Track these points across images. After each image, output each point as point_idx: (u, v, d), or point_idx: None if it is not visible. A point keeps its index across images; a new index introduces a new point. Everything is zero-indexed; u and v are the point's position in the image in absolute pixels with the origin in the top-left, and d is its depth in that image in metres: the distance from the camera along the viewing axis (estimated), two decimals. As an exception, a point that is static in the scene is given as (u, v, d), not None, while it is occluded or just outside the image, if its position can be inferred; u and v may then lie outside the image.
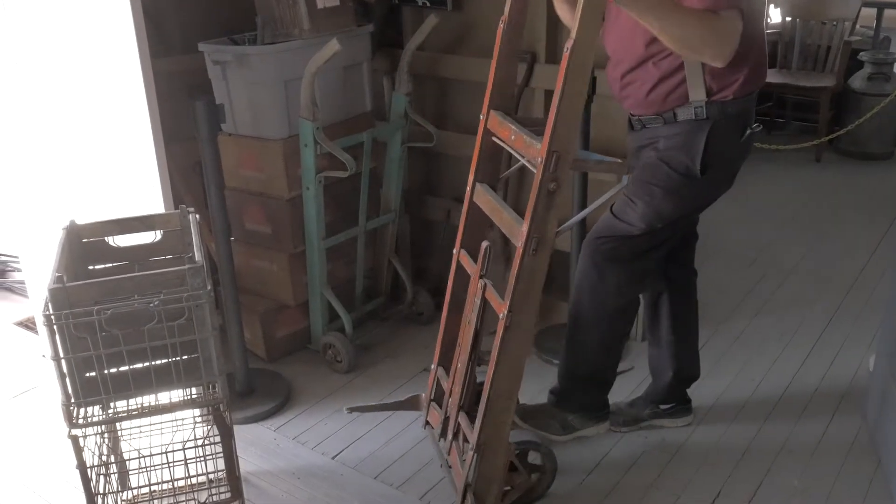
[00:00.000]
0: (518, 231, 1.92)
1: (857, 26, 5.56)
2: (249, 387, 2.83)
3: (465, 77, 3.20)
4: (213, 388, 1.89)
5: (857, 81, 5.30)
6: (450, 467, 2.25)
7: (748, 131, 2.19)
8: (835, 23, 5.34)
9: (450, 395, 2.28)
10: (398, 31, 3.43)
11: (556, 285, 3.33)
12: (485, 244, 2.09)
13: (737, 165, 2.26)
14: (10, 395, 2.95)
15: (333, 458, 2.55)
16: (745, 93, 2.13)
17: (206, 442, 2.02)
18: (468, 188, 2.26)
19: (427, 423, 2.45)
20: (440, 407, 2.36)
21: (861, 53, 5.31)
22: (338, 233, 3.02)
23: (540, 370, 2.99)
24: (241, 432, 2.59)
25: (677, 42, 1.96)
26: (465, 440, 2.12)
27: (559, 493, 2.37)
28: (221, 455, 2.00)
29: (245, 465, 2.46)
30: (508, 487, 2.21)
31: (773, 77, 5.42)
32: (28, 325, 3.46)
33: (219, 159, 2.60)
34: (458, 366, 2.21)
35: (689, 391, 2.64)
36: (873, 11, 5.72)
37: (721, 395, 2.82)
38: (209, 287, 1.80)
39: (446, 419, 2.28)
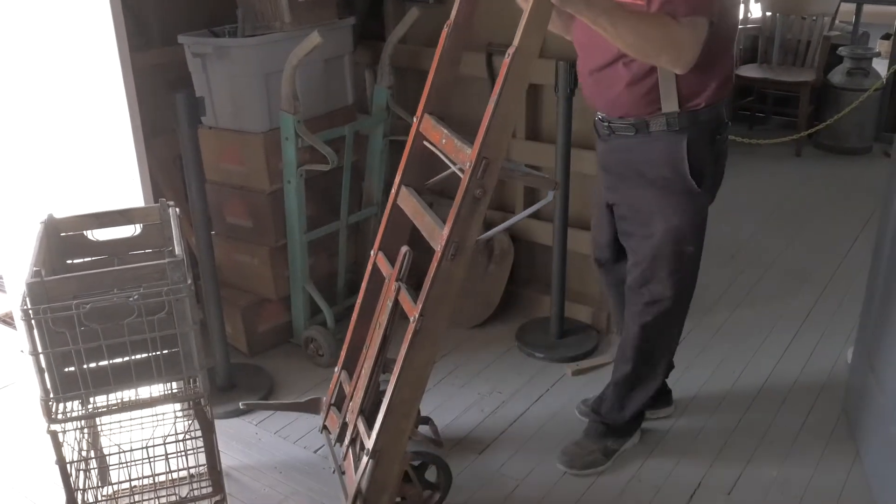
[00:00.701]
0: (438, 235, 1.89)
1: (837, 21, 5.61)
2: (231, 381, 2.82)
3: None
4: (194, 382, 1.88)
5: (837, 76, 5.34)
6: (343, 473, 2.21)
7: (717, 136, 2.15)
8: (814, 18, 5.38)
9: (350, 400, 2.24)
10: (380, 23, 3.42)
11: (538, 279, 3.35)
12: (404, 249, 2.05)
13: (721, 167, 2.23)
14: (-12, 391, 2.92)
15: (315, 451, 2.55)
16: (716, 100, 2.09)
17: (187, 437, 2.01)
18: (393, 190, 2.22)
19: (325, 427, 2.41)
20: (340, 411, 2.33)
21: (840, 49, 5.35)
22: (320, 226, 3.01)
23: (521, 363, 3.01)
24: (223, 427, 2.58)
25: (631, 48, 1.90)
26: (362, 446, 2.07)
27: (541, 483, 2.38)
28: (202, 450, 1.99)
29: (226, 460, 2.45)
30: (400, 498, 2.16)
31: (753, 72, 5.46)
32: (6, 320, 3.43)
33: (199, 153, 2.59)
34: (363, 370, 2.17)
35: (668, 382, 2.64)
36: (852, 7, 5.77)
37: (702, 387, 2.84)
38: (190, 281, 1.79)
39: (345, 424, 2.25)
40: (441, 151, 2.04)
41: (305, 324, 3.07)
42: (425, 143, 2.14)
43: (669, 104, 2.06)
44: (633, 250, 2.27)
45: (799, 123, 5.26)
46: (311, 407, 2.49)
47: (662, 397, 2.64)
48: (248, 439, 2.62)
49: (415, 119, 2.16)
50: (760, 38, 5.59)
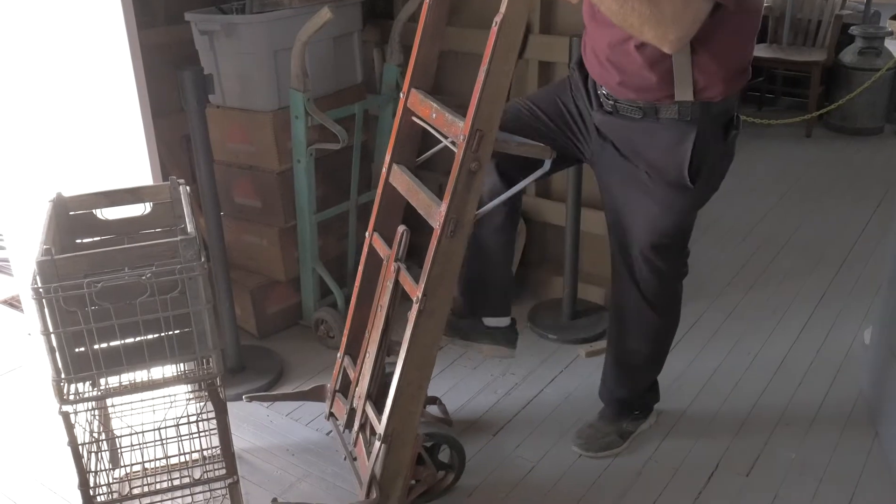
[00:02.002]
0: (436, 212, 1.85)
1: (848, 0, 5.53)
2: (241, 364, 2.78)
3: (458, 48, 3.14)
4: (207, 362, 1.85)
5: (848, 56, 5.28)
6: (354, 459, 2.18)
7: (733, 132, 2.03)
8: (826, -3, 5.32)
9: (356, 385, 2.21)
10: (388, 1, 3.37)
11: (550, 260, 3.31)
12: (401, 228, 2.01)
13: (724, 169, 2.11)
14: (-4, 374, 2.90)
15: (328, 434, 2.52)
16: (731, 92, 1.98)
17: (200, 418, 1.98)
18: (384, 169, 2.17)
19: (331, 414, 2.37)
20: (345, 398, 2.29)
21: (852, 28, 5.29)
22: (329, 207, 2.97)
23: (533, 345, 2.97)
24: (234, 409, 2.53)
25: (615, 17, 1.78)
26: (372, 431, 2.04)
27: (557, 466, 2.35)
28: (215, 431, 1.96)
29: (238, 442, 2.42)
30: (415, 481, 2.14)
31: (763, 52, 5.40)
32: (13, 303, 3.40)
33: (207, 131, 2.54)
34: (367, 354, 2.14)
35: (680, 369, 2.60)
36: (864, -15, 5.70)
37: (717, 368, 2.81)
38: (203, 259, 1.75)
39: (352, 410, 2.21)
40: (431, 126, 1.99)
41: (315, 305, 3.03)
42: (414, 118, 2.10)
43: (683, 92, 1.94)
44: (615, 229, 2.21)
45: (809, 104, 5.21)
46: (316, 395, 2.47)
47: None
48: (260, 421, 2.59)
49: (401, 95, 2.12)
50: (771, 17, 5.52)
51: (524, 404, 2.64)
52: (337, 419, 2.33)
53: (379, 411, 2.02)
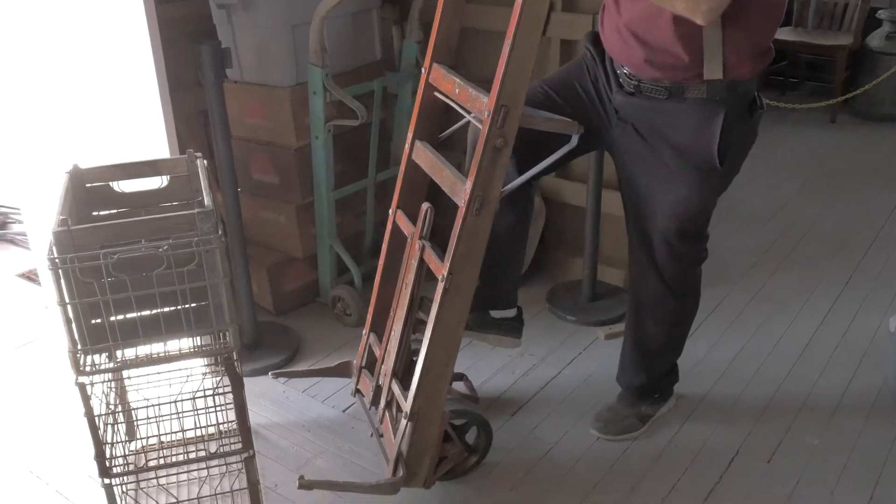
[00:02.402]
0: (461, 189, 1.82)
1: (876, -17, 5.44)
2: (257, 340, 2.77)
3: (480, 25, 3.09)
4: (224, 336, 1.83)
5: (875, 40, 5.18)
6: (381, 436, 2.16)
7: (758, 111, 1.99)
8: (853, -21, 5.22)
9: (382, 363, 2.19)
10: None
11: (569, 241, 3.27)
12: (425, 205, 1.98)
13: (747, 150, 2.06)
14: (13, 346, 2.90)
15: (344, 411, 2.50)
16: (759, 69, 1.92)
17: (217, 392, 1.96)
18: (407, 145, 2.14)
19: (357, 390, 2.35)
20: (371, 374, 2.27)
21: (880, 11, 5.18)
22: (347, 184, 2.95)
23: (552, 326, 2.95)
24: (250, 385, 2.50)
25: None
26: (399, 409, 2.02)
27: (575, 447, 2.33)
28: (231, 406, 1.94)
29: (254, 418, 2.40)
30: (442, 458, 2.12)
31: (788, 35, 5.31)
32: (30, 276, 3.40)
33: (224, 106, 2.52)
34: (393, 332, 2.12)
35: (701, 353, 2.55)
36: (893, -32, 5.59)
37: (739, 353, 2.76)
38: (221, 232, 1.73)
39: (378, 387, 2.19)
40: (454, 101, 1.95)
41: (332, 283, 3.01)
42: (437, 94, 2.06)
43: (713, 70, 1.88)
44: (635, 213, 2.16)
45: (834, 89, 5.12)
46: (342, 371, 2.44)
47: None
48: (276, 397, 2.58)
49: (423, 70, 2.08)
50: (796, 0, 5.43)
51: (542, 385, 2.62)
52: (363, 395, 2.31)
53: (405, 389, 2.00)
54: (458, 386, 2.43)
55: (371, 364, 2.29)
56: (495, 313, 2.32)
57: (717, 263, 2.50)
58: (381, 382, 2.17)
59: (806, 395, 2.54)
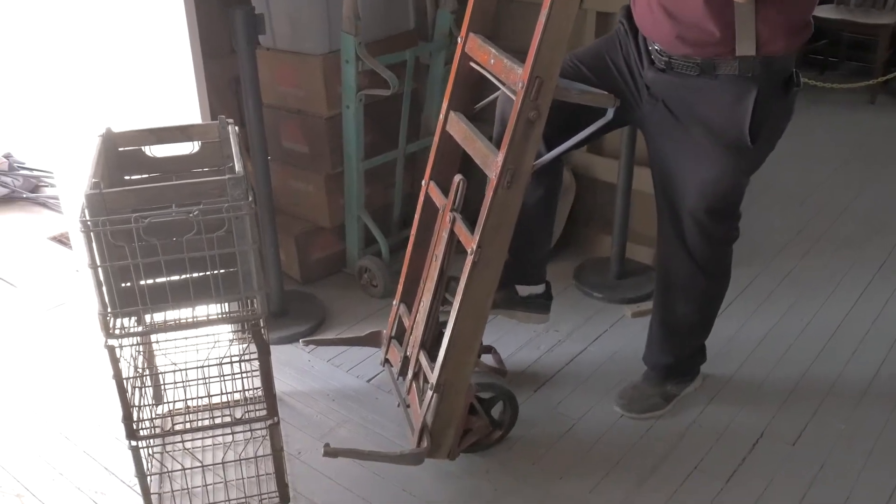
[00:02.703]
0: (493, 162, 1.79)
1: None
2: (284, 308, 2.79)
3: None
4: (252, 303, 1.84)
5: (920, 19, 5.05)
6: (408, 406, 2.16)
7: (794, 89, 1.94)
8: (899, -45, 5.08)
9: (411, 333, 2.18)
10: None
11: (599, 217, 3.25)
12: (458, 178, 1.97)
13: (782, 128, 2.01)
14: (45, 308, 2.94)
15: (368, 381, 2.52)
16: (794, 46, 1.88)
17: (243, 359, 1.98)
18: (441, 116, 2.12)
19: (386, 360, 2.35)
20: (400, 345, 2.27)
21: (925, -11, 5.05)
22: (377, 155, 2.94)
23: (578, 303, 2.93)
24: (276, 353, 2.53)
25: None
26: (426, 380, 2.02)
27: (598, 424, 2.32)
28: (257, 373, 1.95)
29: (279, 385, 2.42)
30: (467, 430, 2.12)
31: (829, 13, 5.19)
32: (62, 240, 3.44)
33: (256, 73, 2.51)
34: (422, 303, 2.11)
35: (728, 334, 2.52)
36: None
37: (767, 334, 2.73)
38: (251, 198, 1.73)
39: (406, 358, 2.19)
40: (489, 72, 1.93)
41: (359, 254, 3.02)
42: (472, 64, 2.03)
43: (745, 46, 1.84)
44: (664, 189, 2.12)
45: (875, 69, 5.00)
46: (371, 341, 2.45)
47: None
48: (301, 366, 2.59)
49: (460, 39, 2.05)
50: (838, -24, 5.31)
51: (567, 361, 2.61)
52: (392, 366, 2.32)
53: (432, 360, 2.01)
54: (487, 359, 2.43)
55: (400, 334, 2.30)
56: (523, 289, 2.31)
57: (749, 244, 2.47)
58: (409, 353, 2.18)
59: (834, 379, 2.51)
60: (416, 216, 2.25)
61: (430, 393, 1.96)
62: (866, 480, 2.12)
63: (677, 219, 2.13)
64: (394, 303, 2.34)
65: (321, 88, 2.77)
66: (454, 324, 1.90)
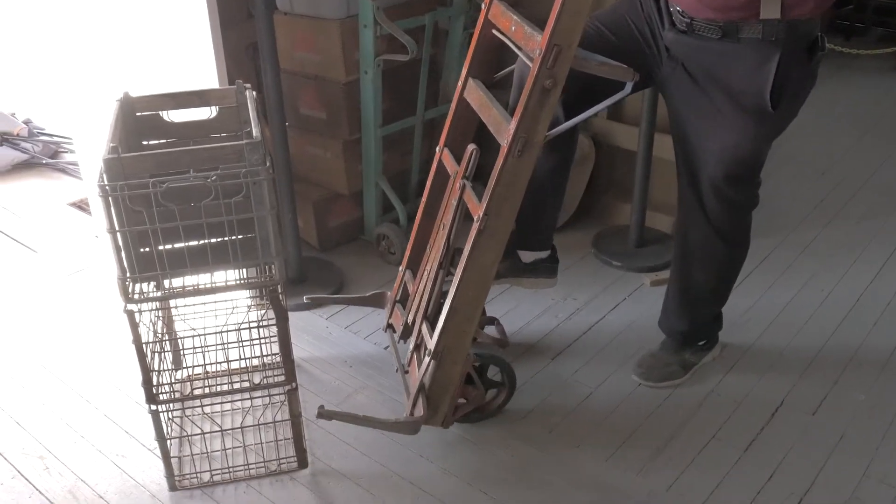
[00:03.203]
0: (505, 129, 1.77)
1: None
2: (301, 274, 2.79)
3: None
4: (270, 269, 1.84)
5: (949, -16, 4.95)
6: (406, 372, 2.15)
7: (819, 53, 1.89)
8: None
9: (415, 297, 2.17)
10: None
11: (618, 185, 3.22)
12: (471, 147, 1.94)
13: (805, 95, 1.97)
14: (65, 274, 2.96)
15: (385, 348, 2.52)
16: (822, 10, 1.83)
17: (261, 325, 1.98)
18: (460, 82, 2.08)
19: (389, 325, 2.34)
20: (404, 308, 2.26)
21: (956, -47, 4.94)
22: (395, 121, 2.92)
23: (597, 271, 2.92)
24: (293, 319, 2.53)
25: None
26: (426, 349, 2.01)
27: (615, 393, 2.32)
28: (275, 339, 1.96)
29: (297, 352, 2.44)
30: (463, 400, 2.12)
31: (856, -23, 5.08)
32: (81, 206, 3.46)
33: (274, 38, 2.49)
34: (427, 271, 2.09)
35: (744, 304, 2.50)
36: None
37: (787, 304, 2.71)
38: (269, 164, 1.72)
39: (408, 325, 2.17)
40: (510, 39, 1.90)
41: (377, 220, 3.01)
42: (494, 31, 2.00)
43: (770, 9, 1.80)
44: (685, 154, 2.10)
45: (902, 35, 4.92)
46: (376, 301, 2.45)
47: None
48: (319, 332, 2.60)
49: (483, 5, 2.02)
50: (867, -60, 5.19)
51: (585, 330, 2.60)
52: (394, 331, 2.32)
53: (433, 329, 2.00)
54: (490, 330, 2.42)
55: (405, 300, 2.30)
56: (527, 255, 2.30)
57: (769, 213, 2.44)
58: (409, 321, 2.17)
59: (854, 350, 2.49)
60: (428, 183, 2.23)
61: (427, 359, 1.96)
62: (885, 451, 2.11)
63: (696, 184, 2.10)
64: (400, 269, 2.33)
65: (339, 54, 2.74)
66: (456, 292, 1.89)
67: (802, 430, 2.19)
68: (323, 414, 1.94)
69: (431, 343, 1.95)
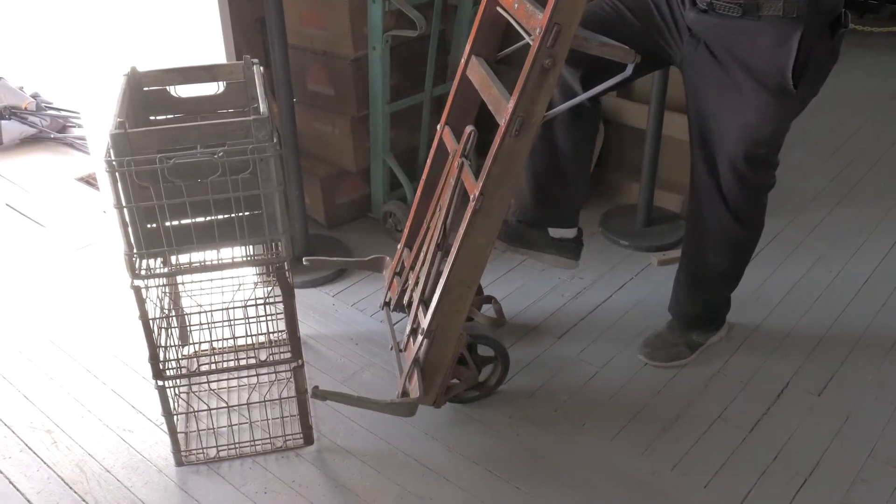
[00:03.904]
0: (503, 108, 1.75)
1: None
2: (308, 251, 2.78)
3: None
4: (276, 246, 1.84)
5: (966, -39, 4.87)
6: (402, 351, 2.15)
7: (841, 30, 1.86)
8: None
9: (411, 268, 2.17)
10: None
11: (627, 163, 3.20)
12: (469, 128, 1.92)
13: (826, 72, 1.95)
14: (72, 249, 2.96)
15: (392, 326, 2.52)
16: None
17: (267, 302, 1.99)
18: (463, 60, 2.06)
19: (386, 304, 2.34)
20: (400, 277, 2.26)
21: (973, -71, 4.86)
22: (403, 98, 2.90)
23: (604, 250, 2.91)
24: (300, 296, 2.55)
25: None
26: (421, 330, 2.00)
27: (621, 372, 2.32)
28: (282, 316, 1.97)
29: (304, 329, 2.44)
30: (456, 380, 2.12)
31: (871, -47, 5.01)
32: (89, 181, 3.46)
33: (282, 12, 2.47)
34: (424, 252, 2.08)
35: (754, 285, 2.49)
36: None
37: (795, 284, 2.70)
38: (276, 140, 1.72)
39: (402, 298, 2.17)
40: (513, 17, 1.87)
41: (384, 198, 3.00)
42: (498, 8, 1.98)
43: None
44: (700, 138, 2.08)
45: (917, 13, 4.85)
46: (374, 265, 2.45)
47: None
48: (325, 310, 2.61)
49: None
50: (883, -85, 5.11)
51: (591, 309, 2.60)
52: (391, 307, 2.32)
53: (428, 311, 1.99)
54: (487, 309, 2.41)
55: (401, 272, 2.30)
56: (554, 232, 2.29)
57: (778, 192, 2.40)
58: (405, 301, 2.17)
59: (862, 331, 2.48)
60: (428, 161, 2.22)
61: (420, 338, 1.95)
62: (891, 432, 2.11)
63: (713, 165, 2.08)
64: (398, 246, 2.33)
65: (347, 29, 2.72)
66: (450, 271, 1.88)
67: (808, 410, 2.19)
68: (317, 394, 1.93)
69: (425, 321, 1.95)
